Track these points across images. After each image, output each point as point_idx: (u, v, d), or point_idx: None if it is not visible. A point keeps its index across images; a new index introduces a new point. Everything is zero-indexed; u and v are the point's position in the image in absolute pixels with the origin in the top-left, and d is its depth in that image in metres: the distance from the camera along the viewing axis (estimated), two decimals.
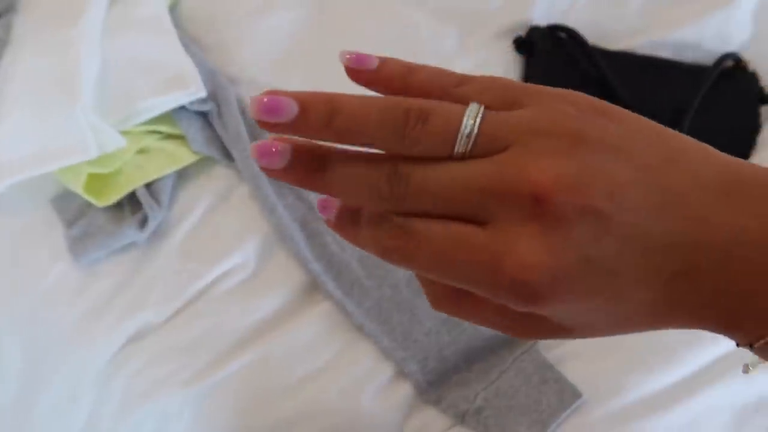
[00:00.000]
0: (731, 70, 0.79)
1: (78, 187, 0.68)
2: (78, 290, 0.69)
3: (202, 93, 0.71)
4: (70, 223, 0.71)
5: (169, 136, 0.73)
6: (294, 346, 0.67)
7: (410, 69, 0.28)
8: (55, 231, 0.70)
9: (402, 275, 0.67)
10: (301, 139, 0.27)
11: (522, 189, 0.25)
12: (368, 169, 0.27)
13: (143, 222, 0.69)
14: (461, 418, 0.63)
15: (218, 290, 0.69)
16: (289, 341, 0.67)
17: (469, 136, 0.26)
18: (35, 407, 0.67)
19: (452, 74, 0.29)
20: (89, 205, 0.70)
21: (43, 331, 0.68)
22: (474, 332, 0.66)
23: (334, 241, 0.68)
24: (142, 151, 0.71)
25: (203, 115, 0.73)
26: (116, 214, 0.70)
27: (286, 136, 0.27)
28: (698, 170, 0.26)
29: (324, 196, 0.29)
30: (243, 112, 0.73)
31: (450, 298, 0.30)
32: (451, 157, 0.26)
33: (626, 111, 0.28)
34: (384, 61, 0.28)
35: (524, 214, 0.25)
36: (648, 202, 0.25)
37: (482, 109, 0.27)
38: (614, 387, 0.64)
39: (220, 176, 0.73)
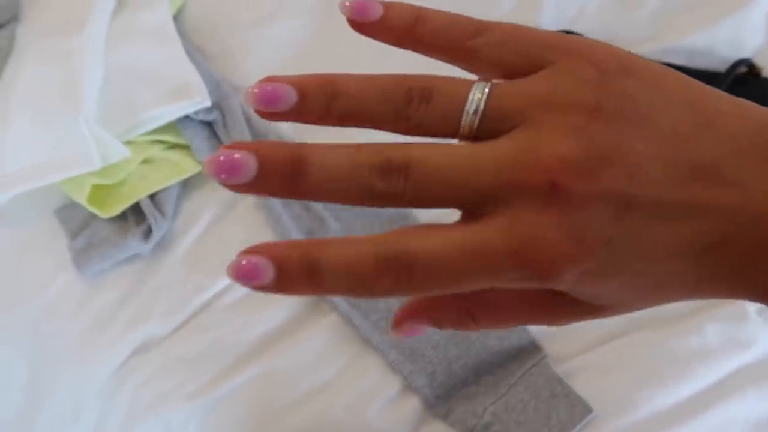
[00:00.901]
0: (744, 76, 0.77)
1: (82, 198, 0.67)
2: (82, 302, 0.68)
3: (207, 102, 0.70)
4: (74, 235, 0.70)
5: (174, 146, 0.72)
6: (300, 359, 0.66)
7: (419, 16, 0.26)
8: (59, 242, 0.70)
9: None
10: (263, 140, 0.25)
11: (535, 175, 0.23)
12: (353, 163, 0.24)
13: (147, 233, 0.68)
14: (468, 429, 0.62)
15: (223, 302, 0.68)
16: (295, 354, 0.66)
17: (475, 113, 0.24)
18: (39, 420, 0.67)
19: (467, 22, 0.26)
20: (93, 216, 0.69)
21: (47, 343, 0.68)
22: (482, 346, 0.65)
23: None
24: (146, 162, 0.71)
25: (208, 125, 0.73)
26: (120, 225, 0.70)
27: (241, 143, 0.24)
28: (735, 133, 0.24)
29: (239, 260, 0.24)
30: (248, 121, 0.72)
31: (465, 315, 0.28)
32: (457, 137, 0.25)
33: (659, 68, 0.25)
34: (390, 7, 0.26)
35: (539, 202, 0.23)
36: (673, 174, 0.24)
37: (489, 84, 0.25)
38: (626, 402, 0.62)
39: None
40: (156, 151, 0.71)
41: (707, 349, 0.63)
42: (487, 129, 0.24)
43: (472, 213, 0.24)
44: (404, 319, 0.29)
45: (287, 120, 0.25)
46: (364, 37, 0.27)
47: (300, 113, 0.25)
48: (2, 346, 0.69)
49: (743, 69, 0.77)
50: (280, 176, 0.24)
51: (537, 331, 0.66)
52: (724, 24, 0.79)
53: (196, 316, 0.68)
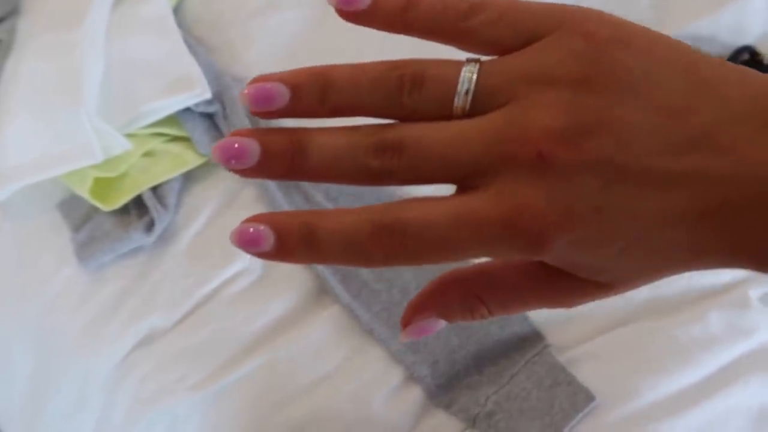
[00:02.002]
0: (747, 63, 0.77)
1: (84, 191, 0.67)
2: (85, 295, 0.68)
3: (208, 94, 0.70)
4: (76, 228, 0.70)
5: (175, 139, 0.72)
6: (302, 351, 0.66)
7: (409, 0, 0.26)
8: (62, 236, 0.70)
9: (412, 278, 0.66)
10: (260, 127, 0.26)
11: (522, 147, 0.24)
12: (350, 143, 0.25)
13: (150, 226, 0.68)
14: (472, 421, 0.62)
15: (226, 294, 0.68)
16: (298, 345, 0.66)
17: (467, 93, 0.25)
18: (44, 412, 0.67)
19: (459, 1, 0.26)
20: (95, 209, 0.69)
21: (51, 336, 0.68)
22: (484, 335, 0.65)
23: None
24: (147, 155, 0.71)
25: (209, 117, 0.73)
26: (123, 218, 0.70)
27: (245, 130, 0.25)
28: (732, 101, 0.24)
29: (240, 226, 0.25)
30: (249, 112, 0.72)
31: (469, 303, 0.28)
32: (452, 118, 0.25)
33: (654, 35, 0.25)
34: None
35: (528, 173, 0.24)
36: (665, 143, 0.24)
37: (478, 63, 0.25)
38: (628, 390, 0.62)
39: (226, 178, 0.72)
40: (157, 144, 0.71)
41: (710, 336, 0.63)
42: (480, 107, 0.25)
43: (465, 188, 0.25)
44: (412, 315, 0.29)
45: (283, 117, 0.26)
46: (364, 30, 0.27)
47: (294, 109, 0.25)
48: (6, 339, 0.70)
49: (746, 56, 0.77)
50: (282, 158, 0.25)
51: (539, 319, 0.66)
52: (727, 11, 0.78)
53: (199, 308, 0.68)
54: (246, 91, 0.25)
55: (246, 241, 0.25)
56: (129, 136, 0.69)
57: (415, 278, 0.66)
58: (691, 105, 0.24)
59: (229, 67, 0.77)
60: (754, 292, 0.65)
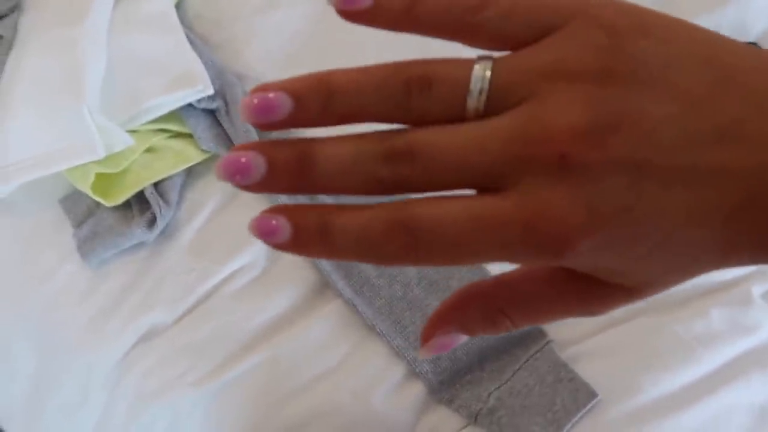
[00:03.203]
0: None
1: (86, 187, 0.67)
2: (87, 291, 0.68)
3: (210, 90, 0.70)
4: (78, 223, 0.70)
5: (177, 135, 0.72)
6: (305, 346, 0.66)
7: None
8: (64, 231, 0.70)
9: (414, 273, 0.66)
10: (265, 140, 0.24)
11: (543, 148, 0.22)
12: (358, 153, 0.24)
13: (152, 222, 0.68)
14: (474, 417, 0.62)
15: (228, 290, 0.68)
16: (300, 341, 0.66)
17: (480, 93, 0.23)
18: (46, 409, 0.67)
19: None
20: (97, 205, 0.69)
21: (53, 332, 0.68)
22: None
23: None
24: (149, 150, 0.71)
25: (211, 113, 0.73)
26: (124, 213, 0.70)
27: (249, 144, 0.24)
28: (757, 89, 0.23)
29: (256, 216, 0.25)
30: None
31: (493, 317, 0.27)
32: (465, 120, 0.24)
33: (674, 22, 0.24)
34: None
35: (550, 175, 0.22)
36: (691, 137, 0.22)
37: (491, 61, 0.24)
38: (630, 386, 0.62)
39: None
40: (159, 140, 0.71)
41: (712, 333, 0.63)
42: (495, 107, 0.23)
43: (484, 190, 0.24)
44: (433, 330, 0.28)
45: (287, 128, 0.25)
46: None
47: (297, 119, 0.24)
48: (9, 336, 0.70)
49: None
50: (288, 172, 0.24)
51: None
52: (730, 8, 0.78)
53: (201, 303, 0.68)
54: (246, 102, 0.24)
55: (264, 232, 0.24)
56: (131, 132, 0.69)
57: (417, 274, 0.66)
58: (715, 95, 0.23)
59: (231, 63, 0.77)
60: (757, 289, 0.65)
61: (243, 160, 0.24)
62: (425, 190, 0.24)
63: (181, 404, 0.65)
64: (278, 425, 0.65)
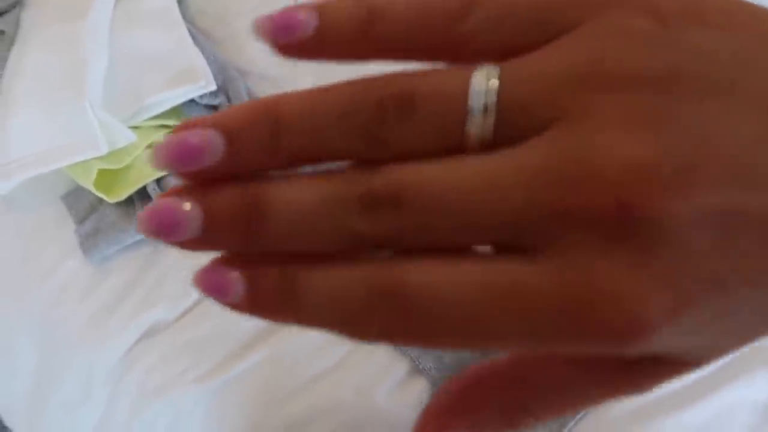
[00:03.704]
0: None
1: (88, 183, 0.67)
2: (89, 288, 0.68)
3: (212, 86, 0.70)
4: (81, 220, 0.70)
5: None
6: (307, 343, 0.66)
7: (372, 11, 0.18)
8: (66, 228, 0.70)
9: None
10: (202, 182, 0.18)
11: (591, 196, 0.15)
12: (323, 198, 0.17)
13: None
14: None
15: None
16: (303, 338, 0.66)
17: (485, 113, 0.17)
18: (48, 405, 0.67)
19: (442, 3, 0.18)
20: (100, 201, 0.69)
21: (55, 328, 0.68)
22: None
23: None
24: (152, 147, 0.70)
25: (214, 109, 0.73)
26: (127, 210, 0.70)
27: (179, 187, 0.18)
28: None
29: (203, 268, 0.19)
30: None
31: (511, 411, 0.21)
32: (466, 152, 0.17)
33: (735, 3, 0.17)
34: (326, 10, 0.18)
35: (605, 235, 0.16)
36: None
37: (496, 68, 0.17)
38: None
39: None
40: (162, 136, 0.71)
41: None
42: (507, 134, 0.17)
43: (504, 250, 0.17)
44: (435, 425, 0.21)
45: (220, 176, 0.18)
46: None
47: (234, 165, 0.18)
48: (11, 332, 0.70)
49: None
50: (234, 226, 0.18)
51: None
52: None
53: (203, 301, 0.68)
54: (159, 147, 0.18)
55: (212, 289, 0.18)
56: (134, 128, 0.69)
57: None
58: None
59: (233, 59, 0.76)
60: None
61: (170, 211, 0.18)
62: (417, 248, 0.17)
63: (183, 401, 0.65)
64: (280, 422, 0.65)
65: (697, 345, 0.18)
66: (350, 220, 0.17)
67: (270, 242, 0.18)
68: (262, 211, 0.18)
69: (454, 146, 0.17)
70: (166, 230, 0.18)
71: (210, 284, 0.18)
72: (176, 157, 0.17)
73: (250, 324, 0.67)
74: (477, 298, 0.16)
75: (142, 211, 0.18)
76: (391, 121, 0.17)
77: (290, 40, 0.18)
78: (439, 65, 0.18)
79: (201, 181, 0.18)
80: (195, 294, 0.68)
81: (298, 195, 0.18)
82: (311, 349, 0.66)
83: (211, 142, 0.17)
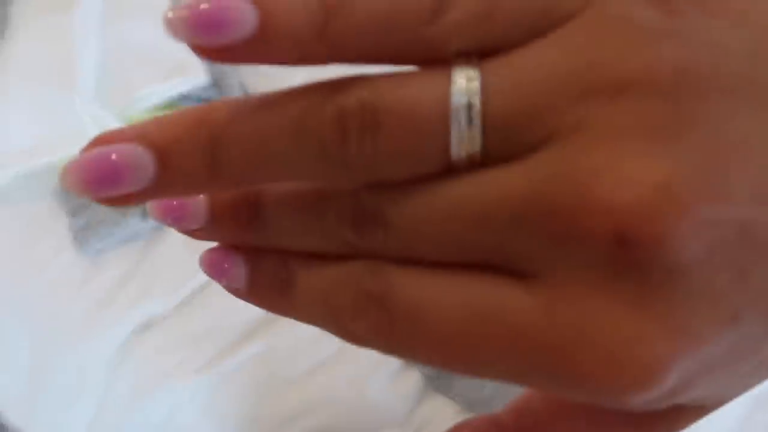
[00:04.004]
0: None
1: None
2: (83, 281, 0.68)
3: (204, 80, 0.69)
4: (74, 214, 0.70)
5: None
6: (302, 335, 0.66)
7: (328, 6, 0.15)
8: (59, 222, 0.70)
9: None
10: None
11: (586, 224, 0.13)
12: (320, 211, 0.17)
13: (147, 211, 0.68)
14: (471, 406, 0.63)
15: None
16: (297, 330, 0.66)
17: (470, 127, 0.14)
18: (43, 398, 0.67)
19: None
20: None
21: (50, 322, 0.68)
22: None
23: None
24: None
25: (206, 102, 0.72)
26: None
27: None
28: None
29: (210, 249, 0.19)
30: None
31: None
32: (442, 170, 0.15)
33: None
34: (265, 2, 0.14)
35: (599, 269, 0.14)
36: None
37: (477, 69, 0.14)
38: None
39: None
40: None
41: None
42: (495, 153, 0.15)
43: (498, 271, 0.15)
44: None
45: (142, 202, 0.16)
46: None
47: (167, 189, 0.16)
48: (5, 326, 0.70)
49: None
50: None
51: None
52: None
53: (198, 293, 0.68)
54: (73, 166, 0.15)
55: (215, 271, 0.19)
56: (126, 121, 0.68)
57: None
58: None
59: None
60: None
61: (181, 202, 0.18)
62: (408, 261, 0.16)
63: (180, 393, 0.65)
64: (276, 414, 0.65)
65: (714, 394, 0.17)
66: (341, 230, 0.17)
67: (268, 243, 0.18)
68: (258, 210, 0.18)
69: (431, 167, 0.15)
70: (174, 218, 0.18)
71: (213, 265, 0.19)
72: (94, 177, 0.15)
73: (245, 317, 0.67)
74: (460, 317, 0.15)
75: (152, 204, 0.18)
76: (353, 139, 0.15)
77: (220, 41, 0.15)
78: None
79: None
80: (190, 287, 0.68)
81: (293, 202, 0.17)
82: (306, 342, 0.66)
83: (140, 159, 0.15)
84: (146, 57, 0.71)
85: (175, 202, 0.18)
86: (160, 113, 0.70)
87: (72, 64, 0.68)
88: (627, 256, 0.13)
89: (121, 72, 0.70)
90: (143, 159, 0.15)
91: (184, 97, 0.71)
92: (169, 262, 0.69)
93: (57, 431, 0.68)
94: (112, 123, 0.66)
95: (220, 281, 0.19)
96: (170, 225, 0.19)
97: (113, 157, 0.15)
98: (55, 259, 0.69)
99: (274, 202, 0.18)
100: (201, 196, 0.18)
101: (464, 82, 0.14)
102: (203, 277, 0.72)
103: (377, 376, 0.65)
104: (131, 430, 0.66)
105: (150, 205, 0.18)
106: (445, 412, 0.64)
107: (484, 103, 0.14)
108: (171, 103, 0.71)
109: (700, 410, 0.18)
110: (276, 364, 0.66)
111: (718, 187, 0.13)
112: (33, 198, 0.71)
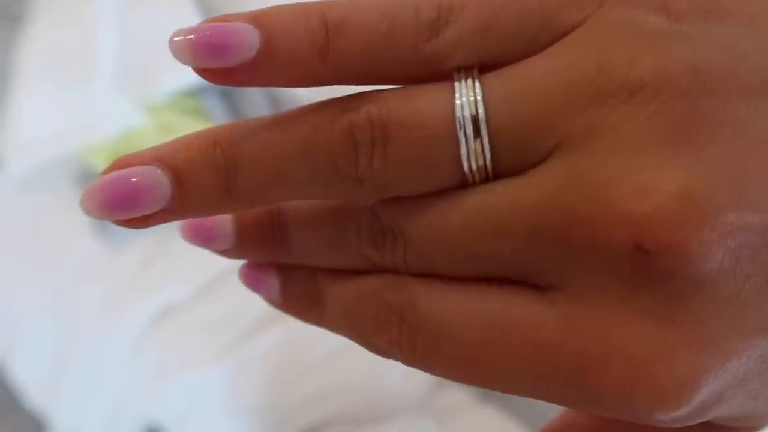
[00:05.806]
0: None
1: (100, 163, 0.67)
2: (104, 267, 0.69)
3: None
4: None
5: (192, 112, 0.72)
6: None
7: (330, 24, 0.15)
8: (80, 209, 0.70)
9: None
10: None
11: (604, 234, 0.13)
12: (340, 230, 0.17)
13: None
14: (487, 396, 0.63)
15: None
16: None
17: (478, 140, 0.14)
18: (66, 383, 0.68)
19: (412, 9, 0.15)
20: None
21: (72, 308, 0.69)
22: None
23: None
24: (164, 128, 0.70)
25: (227, 90, 0.72)
26: None
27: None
28: None
29: (247, 263, 0.21)
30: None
31: None
32: (454, 183, 0.15)
33: None
34: (270, 24, 0.15)
35: (620, 280, 0.13)
36: None
37: (476, 80, 0.14)
38: None
39: None
40: (174, 118, 0.71)
41: None
42: (504, 165, 0.15)
43: (519, 283, 0.15)
44: None
45: (161, 223, 0.16)
46: None
47: (183, 208, 0.16)
48: (29, 312, 0.70)
49: None
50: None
51: None
52: None
53: (218, 280, 0.68)
54: (96, 189, 0.16)
55: (254, 285, 0.21)
56: (146, 109, 0.69)
57: None
58: None
59: None
60: None
61: (211, 224, 0.19)
62: (429, 275, 0.16)
63: (200, 379, 0.66)
64: (295, 401, 0.65)
65: (750, 412, 0.15)
66: (361, 247, 0.17)
67: (293, 260, 0.19)
68: (285, 233, 0.19)
69: (444, 181, 0.15)
70: (204, 240, 0.20)
71: (251, 279, 0.21)
72: (111, 200, 0.16)
73: (264, 303, 0.67)
74: (480, 330, 0.15)
75: (182, 225, 0.19)
76: (365, 154, 0.15)
77: (225, 64, 0.15)
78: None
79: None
80: (209, 274, 0.68)
81: (317, 221, 0.18)
82: (323, 330, 0.66)
83: (156, 182, 0.15)
84: (165, 43, 0.71)
85: (205, 224, 0.19)
86: (179, 100, 0.70)
87: (92, 51, 0.68)
88: (648, 266, 0.13)
89: (141, 59, 0.70)
90: (161, 180, 0.16)
91: (204, 85, 0.71)
92: (189, 250, 0.69)
93: (79, 415, 0.69)
94: (132, 111, 0.66)
95: (258, 293, 0.21)
96: (201, 246, 0.20)
97: (132, 179, 0.15)
98: (77, 246, 0.70)
99: (296, 224, 0.18)
100: (228, 218, 0.19)
101: (466, 96, 0.14)
102: (222, 264, 0.72)
103: (396, 363, 0.64)
104: (152, 414, 0.66)
105: (181, 226, 0.19)
106: (463, 399, 0.64)
107: (490, 114, 0.14)
108: (191, 91, 0.71)
109: (736, 430, 0.17)
110: (295, 351, 0.66)
111: (740, 192, 0.13)
112: (54, 185, 0.72)
